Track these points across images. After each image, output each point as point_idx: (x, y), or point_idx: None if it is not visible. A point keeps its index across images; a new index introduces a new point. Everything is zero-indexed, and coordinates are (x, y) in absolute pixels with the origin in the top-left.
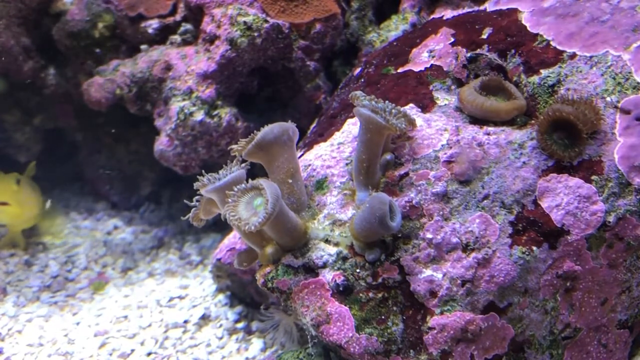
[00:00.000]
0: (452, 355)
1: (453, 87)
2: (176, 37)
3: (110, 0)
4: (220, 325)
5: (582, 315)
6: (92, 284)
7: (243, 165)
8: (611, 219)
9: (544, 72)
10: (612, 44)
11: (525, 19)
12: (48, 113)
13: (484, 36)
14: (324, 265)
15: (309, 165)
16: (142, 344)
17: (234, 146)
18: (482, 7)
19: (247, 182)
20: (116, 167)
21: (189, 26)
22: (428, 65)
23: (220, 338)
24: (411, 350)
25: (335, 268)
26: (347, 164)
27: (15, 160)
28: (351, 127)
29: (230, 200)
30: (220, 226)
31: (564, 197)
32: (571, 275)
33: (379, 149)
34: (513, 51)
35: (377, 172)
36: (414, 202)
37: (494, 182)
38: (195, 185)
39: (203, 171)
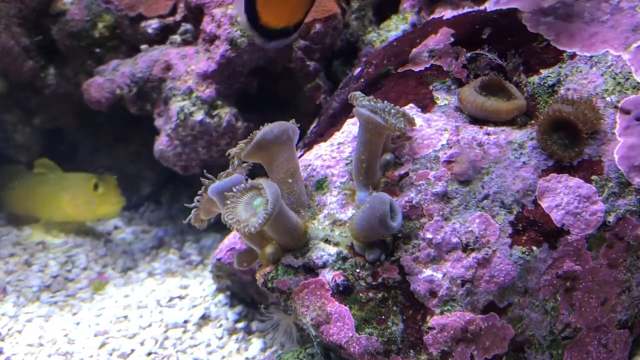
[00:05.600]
0: (452, 355)
1: (453, 87)
2: (176, 37)
3: (110, 0)
4: (220, 325)
5: (582, 315)
6: (92, 284)
7: (244, 165)
8: (611, 219)
9: (544, 72)
10: (612, 44)
11: (525, 19)
12: (48, 113)
13: (484, 36)
14: (324, 265)
15: (309, 165)
16: (142, 344)
17: (232, 150)
18: (482, 7)
19: (247, 181)
20: (116, 167)
21: (189, 26)
22: (428, 65)
23: (220, 338)
24: (411, 350)
25: (335, 268)
26: (347, 164)
27: (15, 160)
28: (351, 127)
29: (229, 202)
30: (220, 226)
31: (564, 197)
32: (571, 275)
33: (378, 149)
34: (513, 51)
35: (377, 172)
36: (414, 202)
37: (494, 182)
38: (206, 182)
39: (205, 171)
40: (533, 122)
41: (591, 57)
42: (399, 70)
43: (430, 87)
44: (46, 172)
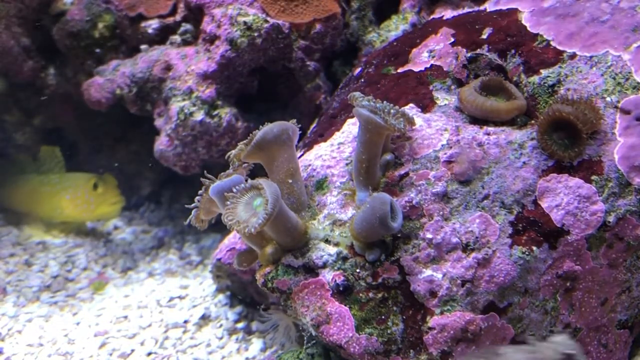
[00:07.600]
0: (452, 355)
1: (453, 87)
2: (176, 37)
3: (110, 0)
4: (220, 326)
5: (582, 315)
6: (92, 284)
7: (245, 165)
8: (611, 219)
9: (544, 72)
10: (612, 44)
11: (525, 19)
12: (48, 113)
13: (484, 36)
14: (324, 265)
15: (309, 165)
16: (142, 344)
17: (232, 152)
18: (482, 7)
19: (247, 181)
20: (116, 167)
21: (189, 26)
22: (428, 66)
23: (220, 338)
24: (411, 350)
25: (335, 268)
26: (347, 164)
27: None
28: (351, 127)
29: (228, 202)
30: (220, 226)
31: (564, 197)
32: (571, 275)
33: (378, 149)
34: (513, 51)
35: (377, 172)
36: (414, 202)
37: (494, 182)
38: (206, 182)
39: (205, 171)
40: (533, 122)
41: (591, 57)
42: (399, 70)
43: (430, 87)
44: (51, 160)
